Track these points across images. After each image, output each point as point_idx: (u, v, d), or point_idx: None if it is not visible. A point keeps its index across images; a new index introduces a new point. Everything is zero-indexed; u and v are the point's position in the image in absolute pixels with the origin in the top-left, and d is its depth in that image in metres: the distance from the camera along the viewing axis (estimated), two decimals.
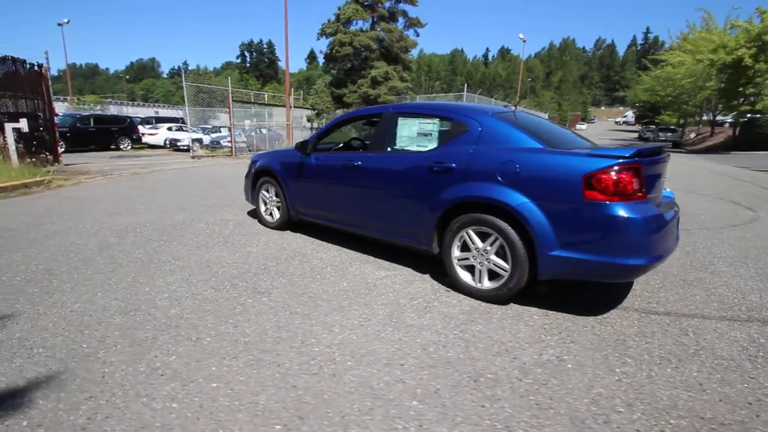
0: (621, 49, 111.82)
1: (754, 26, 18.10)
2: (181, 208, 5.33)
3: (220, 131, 18.70)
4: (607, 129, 53.57)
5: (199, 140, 16.76)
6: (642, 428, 1.54)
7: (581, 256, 2.26)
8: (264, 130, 17.33)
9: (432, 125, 3.06)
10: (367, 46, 22.92)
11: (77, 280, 2.89)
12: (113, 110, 31.85)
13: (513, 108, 3.18)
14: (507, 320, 2.40)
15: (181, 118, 24.84)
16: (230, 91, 14.42)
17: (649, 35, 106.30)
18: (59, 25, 31.21)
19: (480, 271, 2.64)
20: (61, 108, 22.61)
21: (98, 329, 2.20)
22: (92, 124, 16.38)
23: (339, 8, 23.68)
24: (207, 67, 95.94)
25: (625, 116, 68.46)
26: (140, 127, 18.98)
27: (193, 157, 13.56)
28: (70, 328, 2.21)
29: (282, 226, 4.30)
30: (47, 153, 9.15)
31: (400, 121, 3.24)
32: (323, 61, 28.09)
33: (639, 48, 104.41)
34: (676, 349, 2.12)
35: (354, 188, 3.39)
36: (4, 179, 6.46)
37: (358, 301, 2.64)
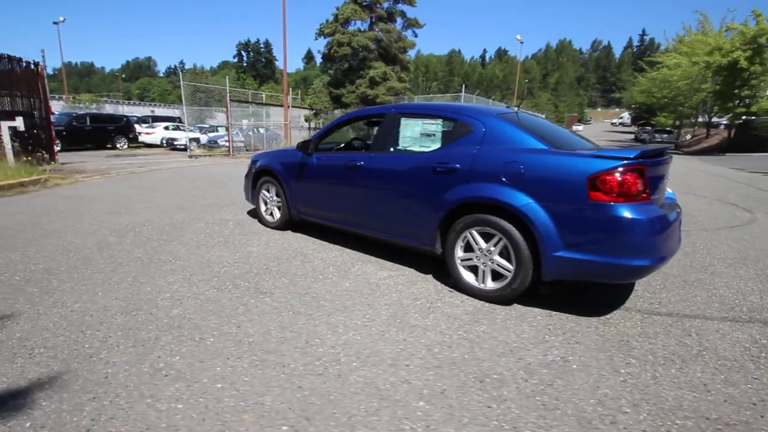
0: (617, 51, 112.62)
1: (749, 29, 18.25)
2: (180, 208, 5.29)
3: (217, 131, 18.63)
4: (603, 130, 53.85)
5: (197, 139, 16.68)
6: (648, 429, 1.54)
7: (585, 257, 2.26)
8: (262, 130, 17.29)
9: (435, 126, 3.05)
10: (365, 46, 22.89)
11: (77, 279, 2.87)
12: (109, 109, 31.64)
13: (515, 109, 3.19)
14: (511, 321, 2.40)
15: (178, 118, 24.75)
16: (228, 91, 14.38)
17: (645, 37, 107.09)
18: (55, 23, 30.98)
19: (483, 271, 2.64)
20: (56, 107, 22.43)
21: (100, 329, 2.18)
22: (88, 123, 16.28)
23: (337, 8, 23.64)
24: (204, 66, 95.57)
25: (621, 118, 68.83)
26: (137, 126, 18.88)
27: (190, 157, 13.50)
28: (72, 328, 2.19)
29: (282, 226, 4.28)
30: (43, 152, 9.07)
31: (403, 121, 3.24)
32: (321, 61, 28.05)
33: (635, 50, 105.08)
34: (680, 349, 2.12)
35: (356, 188, 3.38)
36: (0, 178, 6.39)
37: (361, 301, 2.64)
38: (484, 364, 1.95)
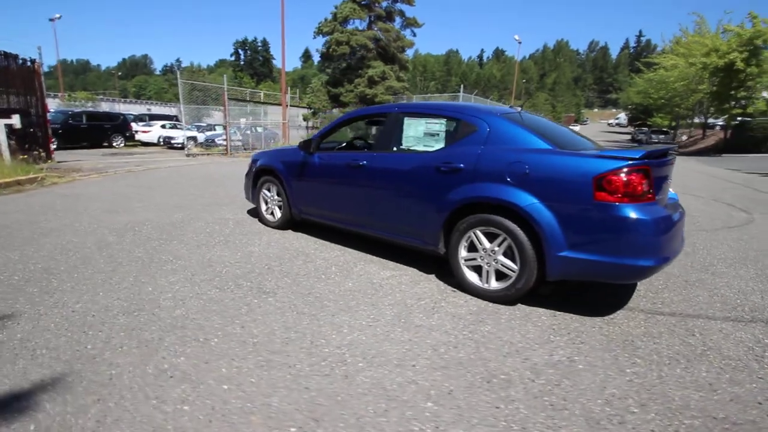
0: (614, 52, 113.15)
1: (745, 30, 18.37)
2: (179, 207, 5.26)
3: (214, 129, 18.54)
4: (600, 131, 54.03)
5: (194, 138, 16.60)
6: (657, 429, 1.55)
7: (590, 257, 2.26)
8: (260, 129, 17.23)
9: (439, 125, 3.05)
10: (363, 45, 22.84)
11: (77, 279, 2.84)
12: (105, 107, 31.35)
13: (518, 109, 3.19)
14: (515, 321, 2.40)
15: (175, 116, 24.61)
16: (226, 89, 14.31)
17: (641, 38, 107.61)
18: (51, 20, 30.72)
19: (488, 271, 2.63)
20: (52, 104, 22.21)
21: (102, 330, 2.16)
22: (84, 121, 16.15)
23: (336, 7, 23.57)
24: (200, 64, 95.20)
25: (617, 118, 69.12)
26: (133, 125, 18.74)
27: (187, 155, 13.42)
28: (73, 328, 2.17)
29: (283, 225, 4.26)
30: (40, 150, 8.99)
31: (407, 120, 3.23)
32: (319, 60, 27.97)
33: (632, 51, 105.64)
34: (684, 349, 2.13)
35: (359, 188, 3.37)
36: None
37: (364, 301, 2.63)
38: (491, 365, 1.94)
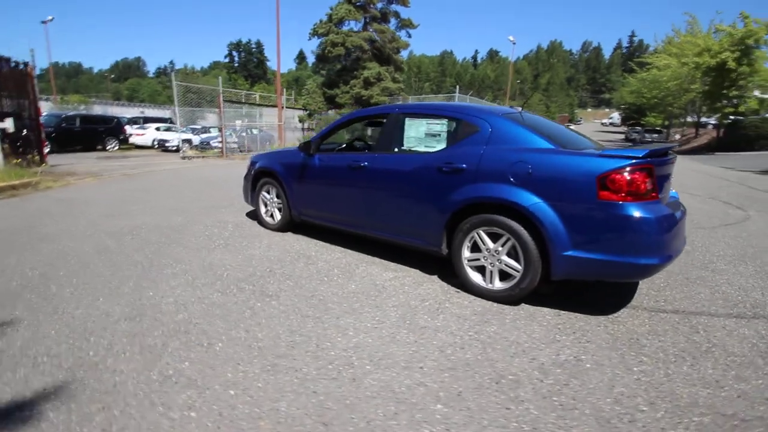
0: (607, 52, 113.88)
1: (737, 30, 18.58)
2: (177, 210, 5.21)
3: (209, 132, 18.42)
4: (594, 130, 54.36)
5: (189, 141, 16.48)
6: (667, 426, 1.55)
7: (594, 256, 2.27)
8: (255, 131, 17.14)
9: (440, 126, 3.04)
10: (359, 46, 22.84)
11: (76, 284, 2.80)
12: (98, 110, 31.07)
13: (519, 109, 3.20)
14: (520, 321, 2.39)
15: (169, 118, 24.43)
16: (221, 91, 14.23)
17: (634, 39, 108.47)
18: (43, 22, 30.41)
19: (491, 271, 2.63)
20: (44, 107, 21.95)
21: (104, 336, 2.13)
22: (78, 124, 15.98)
23: (331, 8, 23.55)
24: (194, 66, 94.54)
25: (611, 118, 69.58)
26: (127, 128, 18.59)
27: (183, 158, 13.33)
28: (74, 335, 2.13)
29: (283, 227, 4.23)
30: (33, 153, 8.88)
31: (407, 121, 3.22)
32: (314, 61, 27.93)
33: (624, 51, 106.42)
34: (689, 346, 2.14)
35: (360, 189, 3.35)
36: None
37: (368, 303, 2.61)
38: (498, 365, 1.94)
